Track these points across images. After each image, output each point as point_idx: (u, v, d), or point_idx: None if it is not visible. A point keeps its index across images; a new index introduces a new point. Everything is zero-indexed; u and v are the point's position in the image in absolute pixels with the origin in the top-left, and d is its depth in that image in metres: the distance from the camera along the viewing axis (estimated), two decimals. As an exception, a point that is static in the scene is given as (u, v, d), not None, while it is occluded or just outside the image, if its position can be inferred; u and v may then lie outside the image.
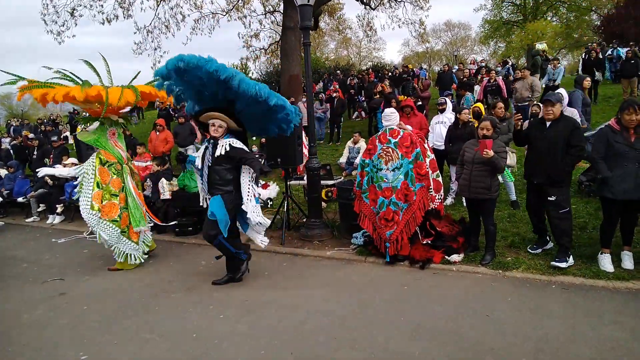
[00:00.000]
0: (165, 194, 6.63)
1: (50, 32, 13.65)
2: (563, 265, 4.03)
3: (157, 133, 9.41)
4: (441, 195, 5.05)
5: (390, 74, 16.77)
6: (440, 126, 6.69)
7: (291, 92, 13.04)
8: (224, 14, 16.61)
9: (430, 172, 4.82)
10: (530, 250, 4.53)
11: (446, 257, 4.52)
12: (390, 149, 4.79)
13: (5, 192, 8.86)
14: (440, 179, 5.05)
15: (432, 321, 3.35)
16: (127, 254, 4.98)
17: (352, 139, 9.30)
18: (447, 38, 43.30)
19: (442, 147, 6.39)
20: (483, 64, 16.14)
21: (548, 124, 4.09)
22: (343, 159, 9.29)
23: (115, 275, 4.91)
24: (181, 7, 15.25)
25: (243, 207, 4.14)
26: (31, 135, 12.49)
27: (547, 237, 4.51)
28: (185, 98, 4.36)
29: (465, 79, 12.18)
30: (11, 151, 11.75)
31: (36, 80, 4.58)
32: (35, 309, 4.04)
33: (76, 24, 13.75)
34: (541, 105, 4.63)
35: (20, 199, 8.64)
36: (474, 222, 4.65)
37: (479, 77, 12.50)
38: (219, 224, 4.02)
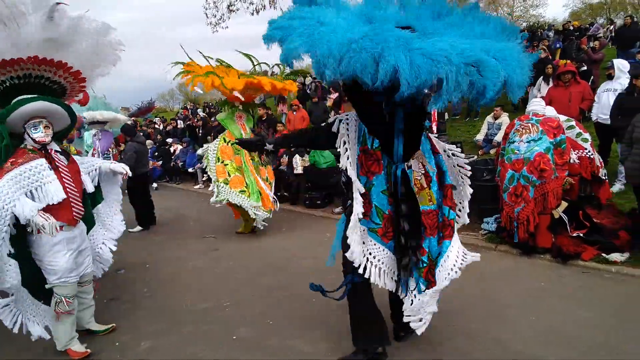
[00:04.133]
0: (298, 169, 7.17)
1: (209, 24, 15.60)
2: None
3: (294, 113, 10.13)
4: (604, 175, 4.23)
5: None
6: (608, 95, 5.48)
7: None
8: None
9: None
10: None
11: (603, 255, 3.79)
12: (530, 124, 4.24)
13: (180, 163, 10.87)
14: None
15: (573, 328, 2.87)
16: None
17: (492, 113, 8.39)
18: (632, -17, 34.26)
19: (609, 121, 5.25)
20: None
21: None
22: (480, 136, 8.46)
23: (254, 238, 5.57)
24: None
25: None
26: (203, 115, 14.94)
27: None
28: None
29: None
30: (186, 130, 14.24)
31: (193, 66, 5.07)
32: (197, 259, 4.91)
33: (229, 17, 15.38)
34: None
35: (190, 169, 10.50)
36: (646, 215, 3.76)
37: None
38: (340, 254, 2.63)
